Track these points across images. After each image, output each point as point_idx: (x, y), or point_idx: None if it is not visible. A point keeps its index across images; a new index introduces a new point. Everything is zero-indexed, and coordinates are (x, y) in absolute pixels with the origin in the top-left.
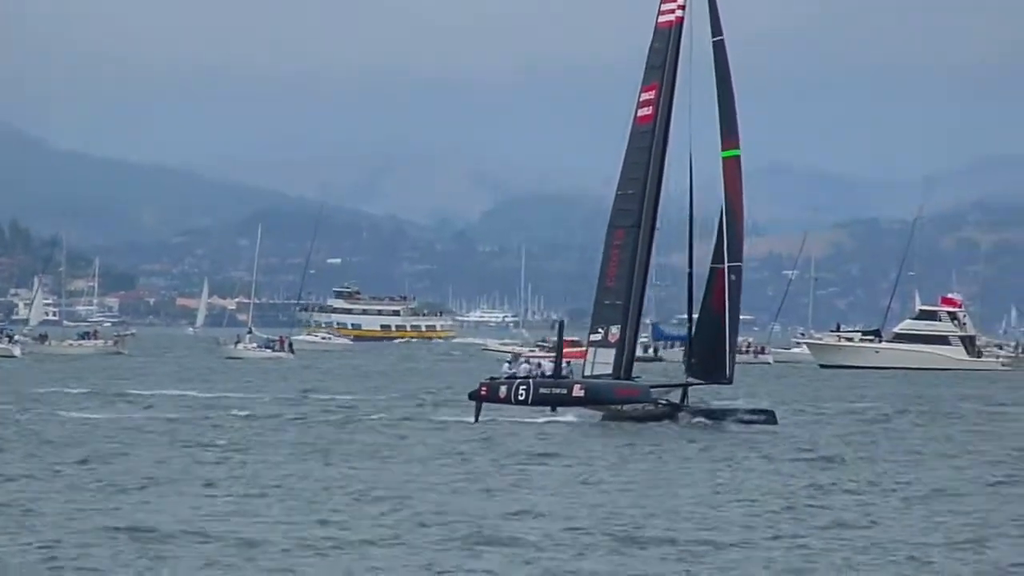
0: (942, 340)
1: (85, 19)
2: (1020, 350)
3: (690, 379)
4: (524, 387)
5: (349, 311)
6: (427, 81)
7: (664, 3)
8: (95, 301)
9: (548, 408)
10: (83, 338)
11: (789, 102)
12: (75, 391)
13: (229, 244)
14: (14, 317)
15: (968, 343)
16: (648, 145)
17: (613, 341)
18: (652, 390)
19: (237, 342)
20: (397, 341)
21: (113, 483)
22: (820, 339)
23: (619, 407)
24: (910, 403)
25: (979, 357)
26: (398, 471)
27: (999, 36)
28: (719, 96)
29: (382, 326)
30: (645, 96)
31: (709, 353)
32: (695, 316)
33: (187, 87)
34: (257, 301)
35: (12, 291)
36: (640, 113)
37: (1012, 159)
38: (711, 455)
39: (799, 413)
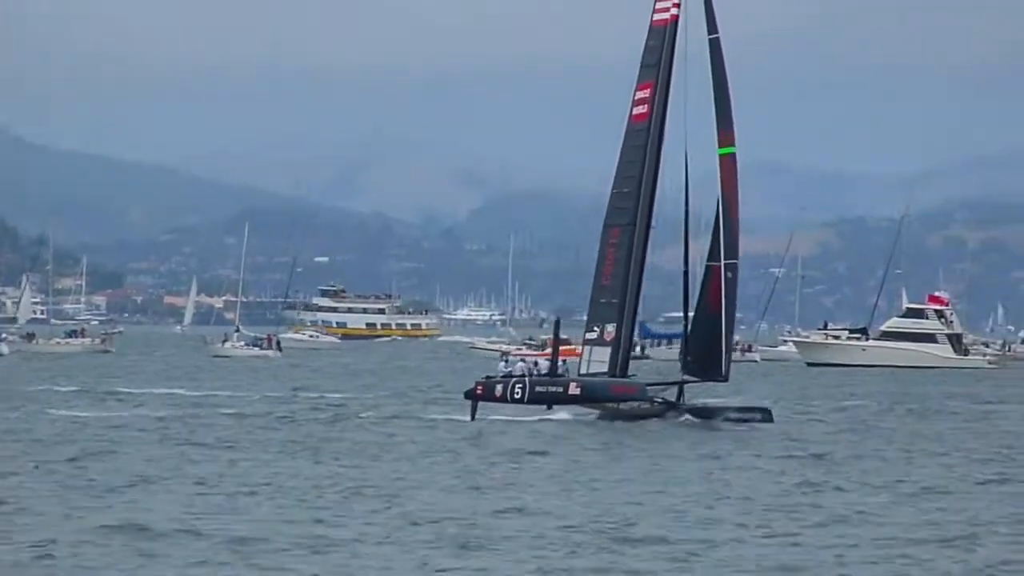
0: (929, 338)
1: (85, 19)
2: (1006, 348)
3: (686, 377)
4: (520, 386)
5: (334, 309)
6: (426, 81)
7: (659, 1)
8: (83, 299)
9: (544, 407)
10: (70, 336)
11: (789, 102)
12: (64, 389)
13: (216, 242)
14: (2, 316)
15: (955, 341)
16: (643, 143)
17: (609, 339)
18: (648, 388)
19: (224, 340)
20: (382, 339)
21: (104, 481)
22: (807, 337)
23: (615, 405)
24: (898, 401)
25: (966, 355)
26: (388, 469)
27: (999, 36)
28: (715, 93)
29: (367, 324)
30: (640, 94)
31: (705, 351)
32: (691, 314)
33: (183, 87)
34: (244, 299)
35: (0, 290)
36: (635, 111)
37: (999, 158)
38: (704, 452)
39: (790, 411)
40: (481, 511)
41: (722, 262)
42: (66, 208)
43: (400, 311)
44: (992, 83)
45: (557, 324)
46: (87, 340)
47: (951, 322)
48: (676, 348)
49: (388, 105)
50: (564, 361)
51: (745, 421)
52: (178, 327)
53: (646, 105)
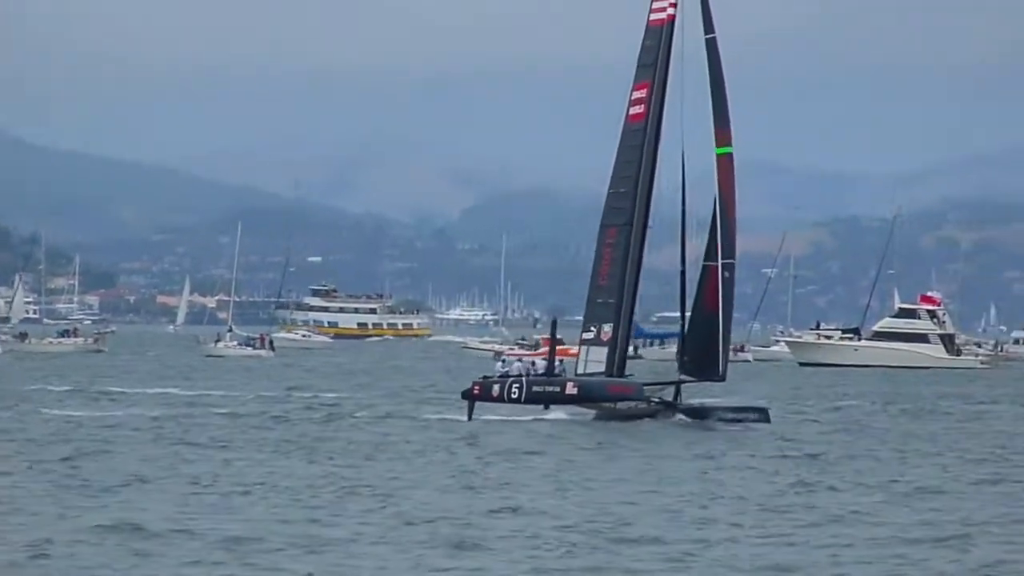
0: (921, 338)
1: (84, 19)
2: (999, 348)
3: (683, 377)
4: (517, 386)
5: (326, 309)
6: (426, 81)
7: (656, 1)
8: (75, 299)
9: (541, 406)
10: (63, 336)
11: (789, 102)
12: (58, 389)
13: (210, 242)
14: None
15: (947, 341)
16: (640, 143)
17: (606, 339)
18: (646, 388)
19: (217, 340)
20: (372, 339)
21: (99, 481)
22: (800, 337)
23: (612, 405)
24: (891, 401)
25: (958, 355)
26: (382, 468)
27: (999, 36)
28: (712, 93)
29: (359, 324)
30: (637, 94)
31: (702, 351)
32: (688, 314)
33: (183, 87)
34: (237, 299)
35: None
36: (632, 111)
37: (992, 158)
38: (698, 452)
39: (783, 411)
40: (476, 511)
41: (719, 262)
42: (64, 208)
43: (392, 311)
44: (991, 83)
45: (554, 324)
46: (80, 340)
47: (943, 322)
48: (668, 348)
49: (388, 105)
50: (561, 361)
51: (741, 421)
52: (171, 327)
53: (643, 105)
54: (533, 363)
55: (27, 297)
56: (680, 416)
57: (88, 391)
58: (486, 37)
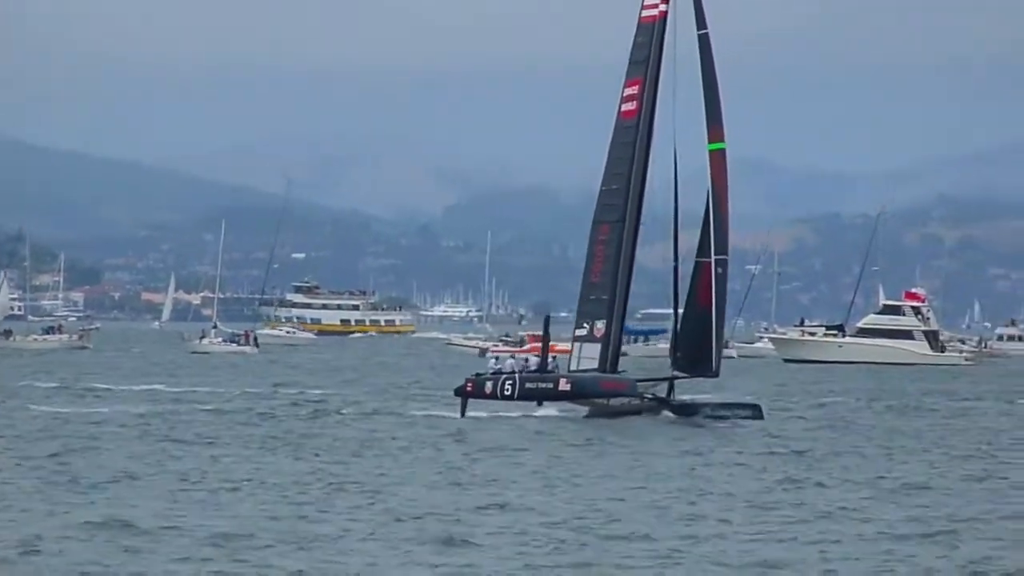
0: (905, 335)
1: (84, 19)
2: (983, 345)
3: (676, 373)
4: (510, 382)
5: (309, 305)
6: (425, 80)
7: None
8: (60, 295)
9: (535, 403)
10: (48, 333)
11: (788, 101)
12: (44, 385)
13: (194, 239)
14: None
15: (931, 338)
16: (632, 140)
17: (599, 336)
18: (638, 384)
19: (202, 337)
20: (355, 336)
21: (87, 477)
22: (784, 334)
23: (605, 401)
24: (876, 398)
25: (942, 352)
26: (370, 465)
27: (999, 36)
28: (704, 90)
29: (342, 320)
30: (629, 91)
31: (695, 347)
32: (680, 310)
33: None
34: (222, 296)
35: None
36: (624, 108)
37: (991, 156)
38: (686, 449)
39: (769, 407)
40: (464, 507)
41: (712, 258)
42: (42, 205)
43: (375, 307)
44: (991, 82)
45: (547, 321)
46: (65, 336)
47: (928, 319)
48: (653, 345)
49: (387, 105)
50: (554, 358)
51: (731, 418)
52: (156, 323)
53: (635, 102)
54: (526, 359)
55: (12, 294)
56: (667, 413)
57: (74, 388)
58: (485, 37)
